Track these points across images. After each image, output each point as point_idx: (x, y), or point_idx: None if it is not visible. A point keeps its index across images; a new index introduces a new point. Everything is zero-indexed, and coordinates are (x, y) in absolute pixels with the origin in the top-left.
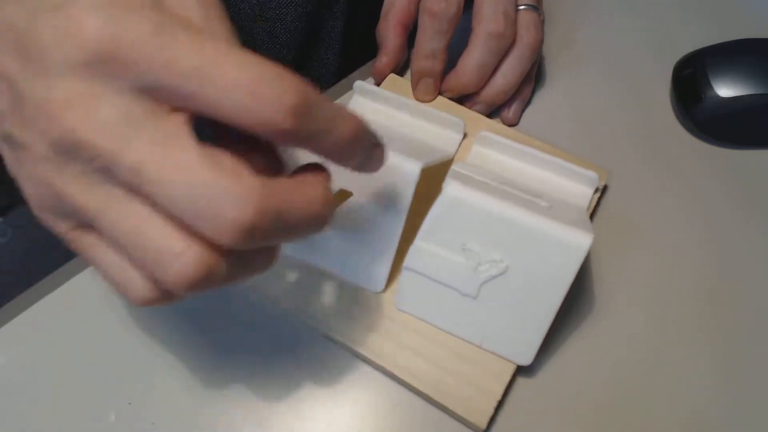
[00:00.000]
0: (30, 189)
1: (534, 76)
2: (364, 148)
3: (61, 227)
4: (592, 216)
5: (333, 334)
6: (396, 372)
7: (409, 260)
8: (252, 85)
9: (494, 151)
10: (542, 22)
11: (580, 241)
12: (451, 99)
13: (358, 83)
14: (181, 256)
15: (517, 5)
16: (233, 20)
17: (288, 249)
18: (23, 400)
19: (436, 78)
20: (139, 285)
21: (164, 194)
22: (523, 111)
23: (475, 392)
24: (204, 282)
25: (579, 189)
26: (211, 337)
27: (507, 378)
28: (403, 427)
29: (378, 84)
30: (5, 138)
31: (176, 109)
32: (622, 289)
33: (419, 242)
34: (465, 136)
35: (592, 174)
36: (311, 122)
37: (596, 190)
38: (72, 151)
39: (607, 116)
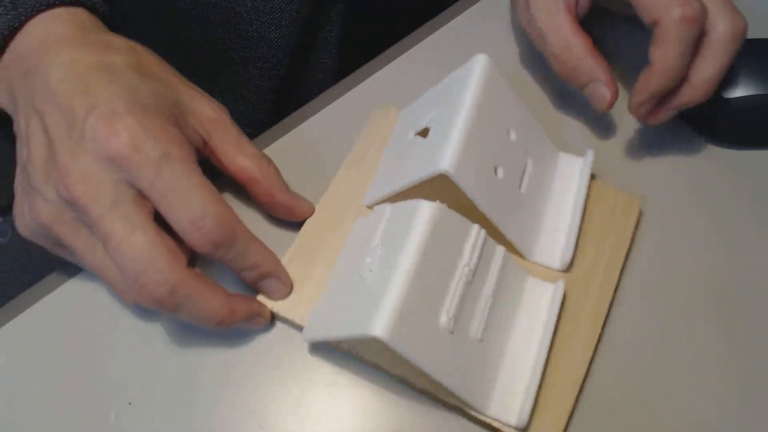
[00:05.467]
0: (26, 214)
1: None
2: (263, 273)
3: (43, 242)
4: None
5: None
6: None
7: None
8: (197, 219)
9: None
10: None
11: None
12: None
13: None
14: (127, 295)
15: None
16: (228, 23)
17: None
18: (23, 400)
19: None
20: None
21: (116, 259)
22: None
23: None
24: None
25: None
26: (210, 337)
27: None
28: (404, 426)
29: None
30: (24, 171)
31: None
32: (627, 290)
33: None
34: None
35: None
36: (225, 253)
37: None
38: (71, 205)
39: (608, 117)
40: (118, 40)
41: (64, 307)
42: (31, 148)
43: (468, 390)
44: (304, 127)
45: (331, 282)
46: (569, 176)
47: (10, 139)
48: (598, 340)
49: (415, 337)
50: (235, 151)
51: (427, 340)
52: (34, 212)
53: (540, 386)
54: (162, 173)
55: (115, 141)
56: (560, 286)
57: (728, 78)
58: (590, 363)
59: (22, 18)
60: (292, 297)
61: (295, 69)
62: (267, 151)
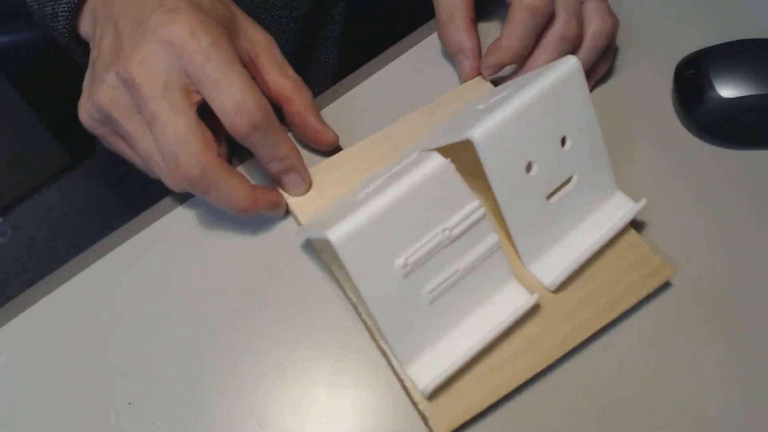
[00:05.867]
0: (88, 102)
1: (611, 55)
2: (288, 166)
3: (101, 131)
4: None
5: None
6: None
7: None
8: (239, 102)
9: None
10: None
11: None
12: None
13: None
14: (166, 176)
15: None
16: None
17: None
18: (23, 400)
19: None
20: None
21: (158, 138)
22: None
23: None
24: (182, 188)
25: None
26: (211, 338)
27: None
28: (404, 426)
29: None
30: (92, 66)
31: (197, 91)
32: None
33: None
34: None
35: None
36: (260, 138)
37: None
38: (127, 86)
39: (607, 117)
40: None
41: (64, 307)
42: (101, 46)
43: (397, 337)
44: None
45: (338, 199)
46: (612, 215)
47: (18, 128)
48: (547, 368)
49: (364, 257)
50: (278, 72)
51: (375, 268)
52: (95, 97)
53: (463, 374)
54: (211, 59)
55: (174, 27)
56: (533, 298)
57: (728, 78)
58: (522, 384)
59: None
60: (306, 198)
61: (296, 68)
62: None
